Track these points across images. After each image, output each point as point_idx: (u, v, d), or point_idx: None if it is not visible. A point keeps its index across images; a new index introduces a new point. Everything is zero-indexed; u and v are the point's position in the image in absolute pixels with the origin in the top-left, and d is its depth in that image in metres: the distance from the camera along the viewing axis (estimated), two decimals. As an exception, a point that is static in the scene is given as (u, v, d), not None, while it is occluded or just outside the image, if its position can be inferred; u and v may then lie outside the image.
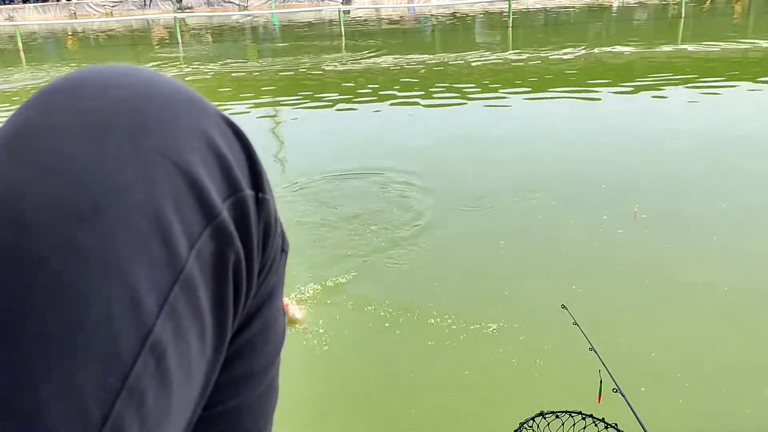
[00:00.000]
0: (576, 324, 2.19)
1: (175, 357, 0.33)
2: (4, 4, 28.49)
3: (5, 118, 0.36)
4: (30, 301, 0.29)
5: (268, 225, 0.40)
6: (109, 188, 0.32)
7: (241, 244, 0.37)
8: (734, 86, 8.85)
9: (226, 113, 0.39)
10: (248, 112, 8.93)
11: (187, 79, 12.33)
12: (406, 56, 13.36)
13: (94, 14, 28.25)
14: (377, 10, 24.61)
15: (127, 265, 0.31)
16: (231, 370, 0.40)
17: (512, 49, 13.84)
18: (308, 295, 3.84)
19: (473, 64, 12.02)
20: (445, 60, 12.71)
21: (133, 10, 28.57)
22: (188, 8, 28.43)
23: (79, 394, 0.28)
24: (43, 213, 0.30)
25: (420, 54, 13.56)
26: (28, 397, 0.28)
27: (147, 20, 25.54)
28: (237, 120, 0.40)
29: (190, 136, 0.35)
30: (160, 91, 0.36)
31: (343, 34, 17.24)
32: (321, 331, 3.47)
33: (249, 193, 0.37)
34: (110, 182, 0.32)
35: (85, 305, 0.29)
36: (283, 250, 0.43)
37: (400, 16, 23.00)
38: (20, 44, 17.31)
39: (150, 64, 14.38)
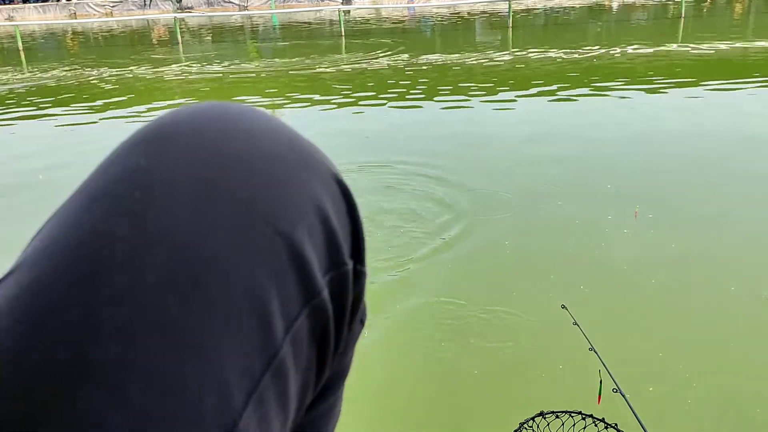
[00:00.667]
0: (576, 324, 2.20)
1: None
2: (4, 4, 28.50)
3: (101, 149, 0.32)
4: (115, 387, 0.27)
5: (358, 298, 0.37)
6: (212, 263, 0.29)
7: (334, 322, 0.34)
8: (738, 88, 8.86)
9: (338, 172, 0.36)
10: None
11: (187, 79, 12.34)
12: (405, 55, 13.37)
13: (94, 14, 28.26)
14: (377, 10, 24.61)
15: (220, 348, 0.29)
16: None
17: (512, 48, 13.86)
18: None
19: (473, 63, 12.02)
20: (448, 60, 12.72)
21: (133, 10, 28.59)
22: (188, 8, 28.44)
23: None
24: (146, 286, 0.28)
25: (425, 54, 13.57)
26: None
27: (147, 20, 25.56)
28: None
29: (300, 203, 0.33)
30: (276, 147, 0.34)
31: (343, 34, 17.26)
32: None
33: (350, 267, 0.35)
34: (214, 256, 0.29)
35: (173, 393, 0.27)
36: (361, 322, 0.40)
37: (401, 16, 23.02)
38: (20, 44, 17.31)
39: (150, 64, 14.40)
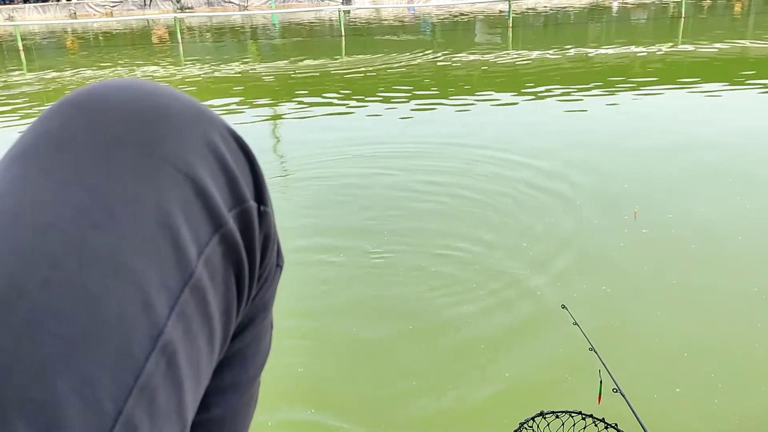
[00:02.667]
0: (576, 324, 2.20)
1: (185, 358, 0.34)
2: (4, 4, 28.50)
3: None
4: (47, 300, 0.30)
5: (268, 237, 0.41)
6: (121, 196, 0.33)
7: (245, 253, 0.39)
8: (736, 88, 8.86)
9: (231, 125, 0.41)
10: (243, 112, 8.93)
11: (187, 79, 12.34)
12: (406, 55, 13.37)
13: (94, 14, 28.25)
14: (377, 10, 24.62)
15: (138, 266, 0.32)
16: (221, 378, 0.41)
17: (512, 48, 13.85)
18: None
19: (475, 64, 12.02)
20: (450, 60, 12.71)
21: (133, 10, 28.58)
22: (188, 8, 28.44)
23: (94, 389, 0.30)
24: (60, 218, 0.32)
25: (417, 53, 13.57)
26: (48, 389, 0.29)
27: (147, 20, 25.55)
28: (241, 129, 0.41)
29: (198, 148, 0.37)
30: (170, 104, 0.38)
31: (343, 34, 17.26)
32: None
33: (252, 204, 0.39)
34: (123, 191, 0.34)
35: (98, 304, 0.31)
36: (278, 265, 0.44)
37: (401, 17, 23.01)
38: (20, 44, 17.31)
39: (150, 64, 14.39)
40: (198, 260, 0.35)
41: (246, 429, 0.47)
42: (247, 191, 0.39)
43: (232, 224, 0.37)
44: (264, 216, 0.40)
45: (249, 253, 0.39)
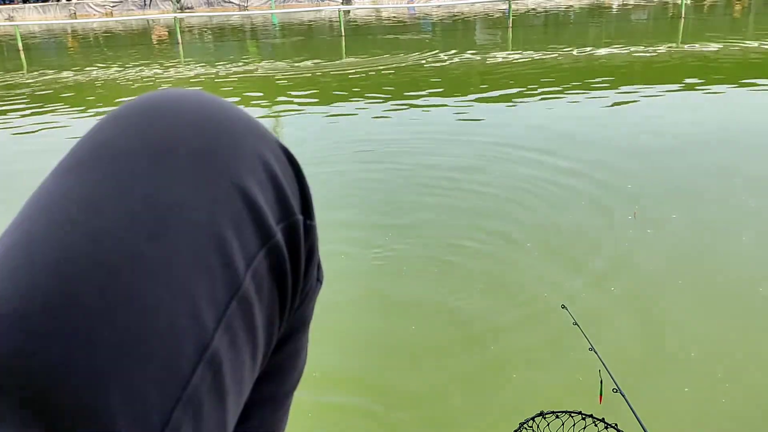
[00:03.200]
0: (576, 324, 2.20)
1: (230, 371, 0.34)
2: (4, 4, 28.50)
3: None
4: (102, 308, 0.31)
5: (312, 251, 0.42)
6: (174, 206, 0.34)
7: (290, 267, 0.39)
8: (737, 87, 8.86)
9: (281, 142, 0.42)
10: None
11: (186, 79, 12.34)
12: (404, 56, 13.37)
13: (94, 14, 28.25)
14: (377, 10, 24.62)
15: (189, 277, 0.33)
16: (259, 391, 0.42)
17: (511, 49, 13.85)
18: None
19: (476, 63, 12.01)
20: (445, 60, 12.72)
21: (133, 10, 28.58)
22: (188, 8, 28.44)
23: (143, 401, 0.30)
24: (115, 226, 0.33)
25: (418, 53, 13.58)
26: (101, 397, 0.29)
27: (147, 20, 25.55)
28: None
29: (250, 161, 0.38)
30: (223, 117, 0.38)
31: (343, 34, 17.26)
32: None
33: (299, 218, 0.40)
34: (176, 201, 0.34)
35: (151, 315, 0.31)
36: (319, 280, 0.45)
37: (401, 16, 23.01)
38: (20, 44, 17.31)
39: (150, 64, 14.39)
40: (246, 273, 0.35)
41: None
42: (295, 205, 0.40)
43: (279, 237, 0.38)
44: (310, 230, 0.41)
45: (294, 267, 0.39)
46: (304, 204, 0.41)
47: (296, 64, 13.22)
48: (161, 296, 0.32)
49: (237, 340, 0.35)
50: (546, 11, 22.35)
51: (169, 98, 0.38)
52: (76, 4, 28.55)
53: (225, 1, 28.68)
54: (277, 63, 13.90)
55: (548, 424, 1.83)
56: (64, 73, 13.69)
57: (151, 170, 0.34)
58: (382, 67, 12.16)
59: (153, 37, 21.36)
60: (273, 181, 0.38)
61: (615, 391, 1.88)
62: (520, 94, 9.20)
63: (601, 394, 2.03)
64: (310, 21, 23.46)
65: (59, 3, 28.63)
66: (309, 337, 0.47)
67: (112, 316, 0.30)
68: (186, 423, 0.31)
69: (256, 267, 0.36)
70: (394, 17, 22.85)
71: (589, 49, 12.86)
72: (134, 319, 0.31)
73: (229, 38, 20.72)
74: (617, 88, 9.12)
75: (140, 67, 13.98)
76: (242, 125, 0.39)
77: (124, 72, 13.44)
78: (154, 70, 13.55)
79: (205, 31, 22.54)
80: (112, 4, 28.90)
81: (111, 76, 12.98)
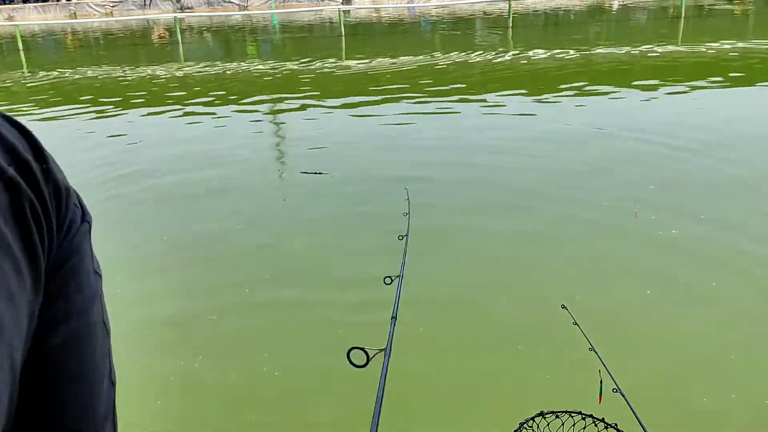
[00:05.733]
0: (576, 324, 2.19)
1: None
2: (4, 4, 28.49)
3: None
4: None
5: (58, 188, 0.49)
6: None
7: (35, 196, 0.46)
8: (735, 87, 8.86)
9: (11, 114, 0.48)
10: (244, 111, 8.93)
11: (187, 78, 12.33)
12: (403, 57, 13.37)
13: (94, 14, 28.24)
14: (377, 9, 24.61)
15: None
16: (53, 310, 0.48)
17: (512, 48, 13.85)
18: None
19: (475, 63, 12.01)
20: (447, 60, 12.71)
21: (133, 10, 28.57)
22: (188, 8, 28.43)
23: None
24: None
25: (413, 55, 13.57)
26: None
27: (147, 20, 25.54)
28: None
29: None
30: None
31: (343, 34, 17.25)
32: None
33: (29, 158, 0.46)
34: None
35: None
36: (85, 220, 0.53)
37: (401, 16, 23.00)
38: (20, 44, 17.30)
39: (150, 64, 14.38)
40: None
41: (98, 365, 0.53)
42: (26, 153, 0.46)
43: (12, 172, 0.44)
44: (47, 172, 0.48)
45: (39, 197, 0.46)
46: (36, 153, 0.48)
47: (296, 64, 13.20)
48: None
49: None
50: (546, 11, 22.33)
51: None
52: (76, 4, 28.54)
53: (225, 1, 28.67)
54: (277, 62, 13.88)
55: (548, 424, 1.83)
56: (65, 73, 13.68)
57: None
58: (379, 67, 12.13)
59: (153, 36, 21.35)
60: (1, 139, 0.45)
61: (615, 391, 1.88)
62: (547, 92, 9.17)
63: (601, 394, 2.03)
64: (310, 21, 23.45)
65: (59, 3, 28.62)
66: (91, 271, 0.53)
67: None
68: None
69: None
70: (394, 16, 22.84)
71: (589, 48, 12.75)
72: None
73: (229, 38, 20.71)
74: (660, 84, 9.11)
75: (140, 67, 13.97)
76: None
77: (124, 72, 13.43)
78: (154, 70, 13.54)
79: (205, 31, 22.54)
80: (112, 4, 28.89)
81: (111, 76, 12.97)
